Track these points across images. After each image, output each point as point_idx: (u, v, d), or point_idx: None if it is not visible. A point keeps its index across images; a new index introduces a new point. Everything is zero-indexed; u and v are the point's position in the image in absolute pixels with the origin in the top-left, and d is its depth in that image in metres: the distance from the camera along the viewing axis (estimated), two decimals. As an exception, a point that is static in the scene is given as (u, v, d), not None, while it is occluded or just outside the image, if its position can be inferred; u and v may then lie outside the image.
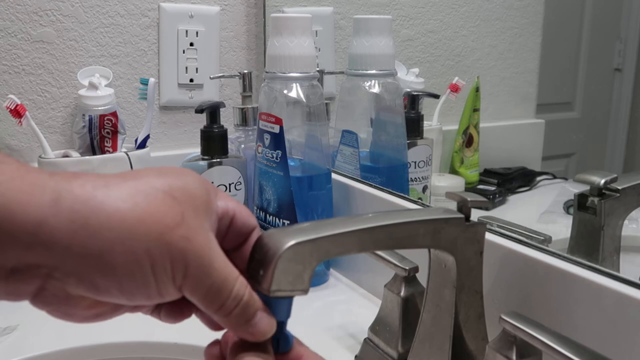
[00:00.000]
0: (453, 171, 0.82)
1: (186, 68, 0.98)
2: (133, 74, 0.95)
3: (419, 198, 0.78)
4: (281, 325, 0.35)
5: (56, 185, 0.28)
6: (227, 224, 0.35)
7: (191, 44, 0.98)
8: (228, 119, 0.95)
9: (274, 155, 0.72)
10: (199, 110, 0.77)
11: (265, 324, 0.33)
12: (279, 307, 0.35)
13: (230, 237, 0.36)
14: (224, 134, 0.79)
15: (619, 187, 0.51)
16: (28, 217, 0.27)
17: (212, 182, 0.77)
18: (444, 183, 0.81)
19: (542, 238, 0.55)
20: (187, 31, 0.97)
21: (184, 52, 0.98)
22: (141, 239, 0.29)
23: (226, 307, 0.32)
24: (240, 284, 0.32)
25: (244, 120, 0.87)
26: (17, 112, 0.78)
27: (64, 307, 0.31)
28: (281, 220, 0.73)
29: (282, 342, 0.35)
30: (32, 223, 0.27)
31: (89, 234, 0.28)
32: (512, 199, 0.76)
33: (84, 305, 0.31)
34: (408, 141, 0.79)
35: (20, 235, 0.27)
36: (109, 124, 0.85)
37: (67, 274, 0.29)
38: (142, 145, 0.87)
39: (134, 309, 0.34)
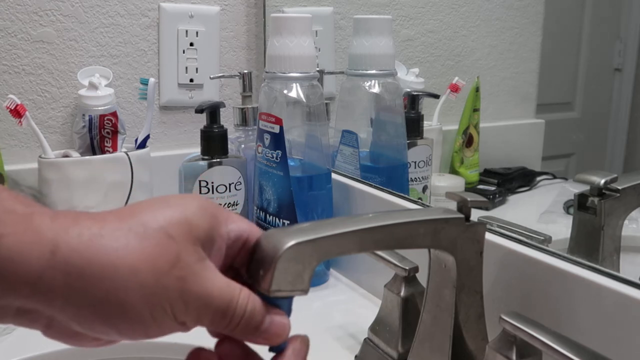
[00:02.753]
0: (453, 171, 0.82)
1: (186, 68, 0.98)
2: (133, 74, 0.95)
3: (419, 198, 0.78)
4: None
5: (54, 236, 0.29)
6: (239, 246, 0.36)
7: (191, 44, 0.98)
8: (228, 119, 0.95)
9: (274, 155, 0.72)
10: (199, 110, 0.77)
11: (277, 327, 0.34)
12: (278, 307, 0.35)
13: (242, 255, 0.36)
14: (224, 134, 0.79)
15: (619, 187, 0.51)
16: (28, 269, 0.28)
17: (213, 182, 0.76)
18: (444, 183, 0.81)
19: (542, 238, 0.55)
20: (187, 31, 0.97)
21: (184, 52, 0.98)
22: (136, 287, 0.30)
23: (232, 324, 0.33)
24: (242, 298, 0.33)
25: (244, 120, 0.87)
26: (17, 112, 0.78)
27: (73, 340, 0.32)
28: (281, 220, 0.73)
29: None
30: (32, 276, 0.28)
31: (84, 285, 0.29)
32: (512, 199, 0.76)
33: (91, 337, 0.32)
34: (408, 141, 0.79)
35: (22, 287, 0.28)
36: (109, 124, 0.85)
37: (68, 320, 0.30)
38: (142, 145, 0.87)
39: None
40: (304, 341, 0.35)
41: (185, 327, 0.32)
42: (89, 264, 0.29)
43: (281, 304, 0.35)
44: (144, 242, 0.30)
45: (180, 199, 0.33)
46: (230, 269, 0.37)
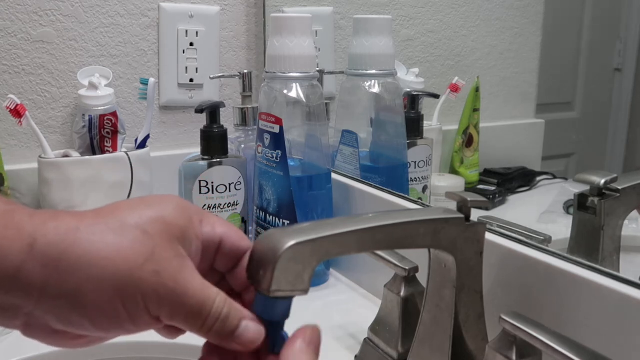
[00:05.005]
0: (453, 171, 0.82)
1: (186, 68, 0.98)
2: (133, 74, 0.95)
3: (419, 198, 0.78)
4: (277, 326, 0.35)
5: (33, 230, 0.30)
6: (214, 248, 0.36)
7: (191, 44, 0.98)
8: (228, 119, 0.95)
9: (274, 155, 0.72)
10: (199, 110, 0.77)
11: (252, 333, 0.34)
12: (277, 307, 0.35)
13: (221, 260, 0.36)
14: (224, 134, 0.79)
15: (619, 187, 0.51)
16: (7, 263, 0.29)
17: (213, 182, 0.76)
18: (444, 183, 0.81)
19: (542, 238, 0.55)
20: (187, 31, 0.97)
21: (184, 52, 0.98)
22: (110, 277, 0.30)
23: (206, 326, 0.33)
24: (219, 302, 0.33)
25: (244, 120, 0.87)
26: (17, 112, 0.78)
27: (52, 339, 0.32)
28: (281, 220, 0.73)
29: (278, 343, 0.35)
30: (11, 269, 0.29)
31: (59, 276, 0.30)
32: (512, 199, 0.76)
33: (70, 336, 0.32)
34: (408, 141, 0.79)
35: (2, 281, 0.29)
36: (109, 124, 0.85)
37: (45, 313, 0.31)
38: (142, 145, 0.87)
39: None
40: (315, 330, 0.35)
41: (159, 322, 0.32)
42: (64, 254, 0.30)
43: (280, 305, 0.35)
44: (120, 236, 0.31)
45: (159, 199, 0.34)
46: (213, 272, 0.37)
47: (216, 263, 0.37)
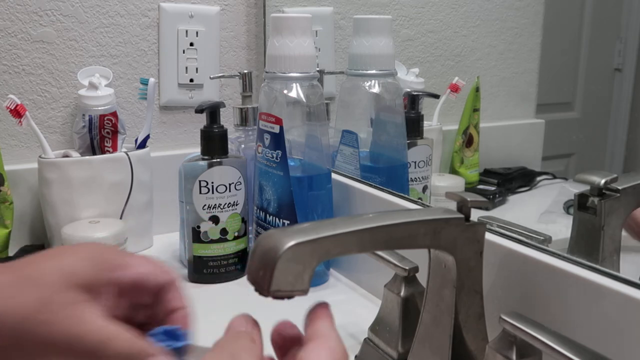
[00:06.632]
0: (453, 171, 0.82)
1: (186, 68, 0.98)
2: (133, 74, 0.95)
3: (419, 198, 0.78)
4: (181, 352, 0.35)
5: None
6: (135, 288, 0.37)
7: (191, 44, 0.98)
8: (228, 119, 0.95)
9: (274, 155, 0.72)
10: (199, 110, 0.77)
11: None
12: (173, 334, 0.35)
13: (146, 296, 0.37)
14: (224, 134, 0.78)
15: (619, 187, 0.51)
16: None
17: (213, 182, 0.76)
18: (444, 183, 0.81)
19: (542, 238, 0.55)
20: (187, 31, 0.97)
21: (184, 52, 0.98)
22: (9, 330, 0.32)
23: None
24: (122, 342, 0.33)
25: (244, 120, 0.87)
26: (17, 112, 0.78)
27: None
28: (281, 220, 0.73)
29: None
30: None
31: None
32: (512, 199, 0.76)
33: None
34: (408, 141, 0.79)
35: None
36: (109, 124, 0.85)
37: None
38: (142, 145, 0.87)
39: None
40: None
41: None
42: None
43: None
44: (14, 289, 0.33)
45: (69, 250, 0.36)
46: (138, 309, 0.38)
47: (143, 299, 0.37)
